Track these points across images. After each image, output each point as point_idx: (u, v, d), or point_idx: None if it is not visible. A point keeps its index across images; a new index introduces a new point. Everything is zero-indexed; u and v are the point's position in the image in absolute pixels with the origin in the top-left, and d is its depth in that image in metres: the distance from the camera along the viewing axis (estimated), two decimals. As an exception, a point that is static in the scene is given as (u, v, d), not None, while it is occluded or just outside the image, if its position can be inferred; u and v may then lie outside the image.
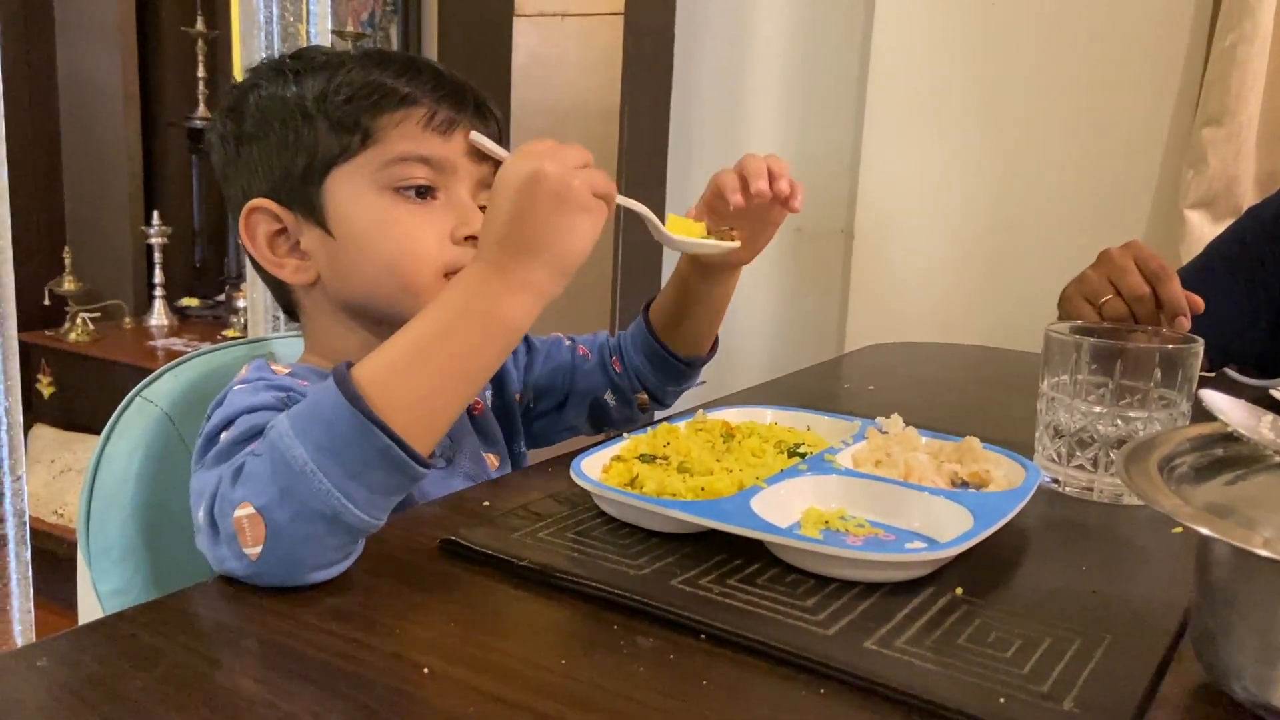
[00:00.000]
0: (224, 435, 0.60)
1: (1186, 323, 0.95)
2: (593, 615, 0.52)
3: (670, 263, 2.21)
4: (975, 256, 1.99)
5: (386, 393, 0.53)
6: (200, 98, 2.57)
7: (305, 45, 1.55)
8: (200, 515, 0.55)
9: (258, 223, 0.74)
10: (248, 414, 0.61)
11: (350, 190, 0.72)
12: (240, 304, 2.47)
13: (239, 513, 0.52)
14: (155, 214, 2.54)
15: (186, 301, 2.71)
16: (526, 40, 2.24)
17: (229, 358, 0.87)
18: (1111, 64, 1.83)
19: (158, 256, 2.56)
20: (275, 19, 1.54)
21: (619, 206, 0.70)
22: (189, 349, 2.32)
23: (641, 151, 2.23)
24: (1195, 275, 1.29)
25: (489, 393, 0.88)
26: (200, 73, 2.56)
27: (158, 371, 0.82)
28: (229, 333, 2.47)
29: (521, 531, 0.61)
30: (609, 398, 0.94)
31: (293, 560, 0.52)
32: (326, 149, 0.72)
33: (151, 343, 2.47)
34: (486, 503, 0.67)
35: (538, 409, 0.94)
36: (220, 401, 0.65)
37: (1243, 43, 1.66)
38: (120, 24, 2.48)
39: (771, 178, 0.80)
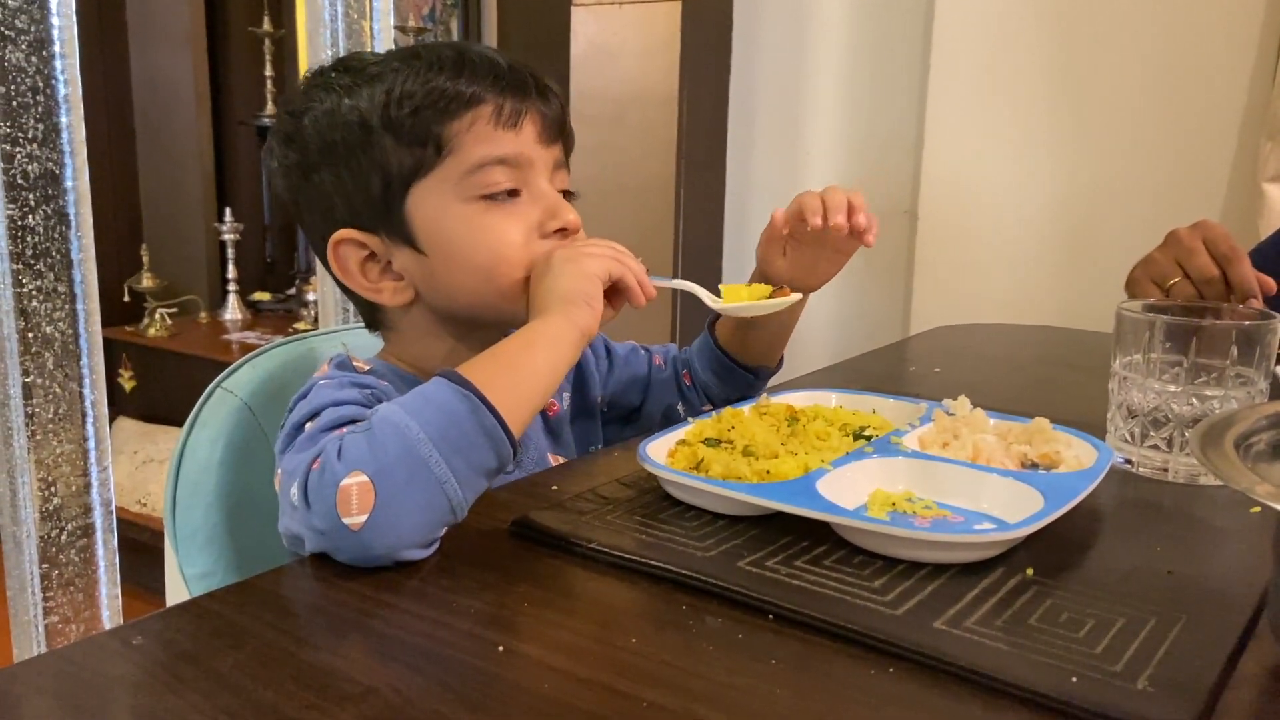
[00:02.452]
0: (309, 425, 0.63)
1: (1259, 304, 0.93)
2: (661, 596, 0.53)
3: (732, 266, 2.20)
4: (1044, 237, 1.95)
5: (488, 385, 0.59)
6: (268, 96, 2.63)
7: (366, 43, 1.58)
8: (294, 492, 0.57)
9: (347, 254, 0.74)
10: (334, 407, 0.64)
11: (436, 205, 0.72)
12: (310, 297, 2.53)
13: (349, 480, 0.54)
14: (227, 211, 2.61)
15: (258, 296, 2.78)
16: (585, 29, 2.25)
17: (303, 349, 0.89)
18: (1184, 35, 1.77)
19: (230, 252, 2.63)
20: (340, 17, 1.57)
21: (674, 290, 0.78)
22: (262, 342, 2.39)
23: (701, 137, 2.23)
24: (1272, 250, 1.25)
25: (567, 395, 0.90)
26: (268, 71, 2.62)
27: (237, 363, 0.85)
28: (300, 325, 2.53)
29: (590, 514, 0.62)
30: (681, 408, 0.96)
31: (396, 530, 0.54)
32: (401, 166, 0.71)
33: (226, 336, 2.54)
34: (555, 487, 0.68)
35: (613, 414, 0.96)
36: (304, 394, 0.68)
37: (1325, 7, 1.60)
38: (191, 26, 2.55)
39: (851, 211, 0.82)
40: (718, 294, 0.80)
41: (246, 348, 2.35)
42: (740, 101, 2.24)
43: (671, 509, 0.64)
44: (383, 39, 1.61)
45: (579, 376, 0.91)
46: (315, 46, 1.61)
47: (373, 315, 0.80)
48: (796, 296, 0.81)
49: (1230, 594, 0.53)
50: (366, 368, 0.74)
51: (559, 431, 0.87)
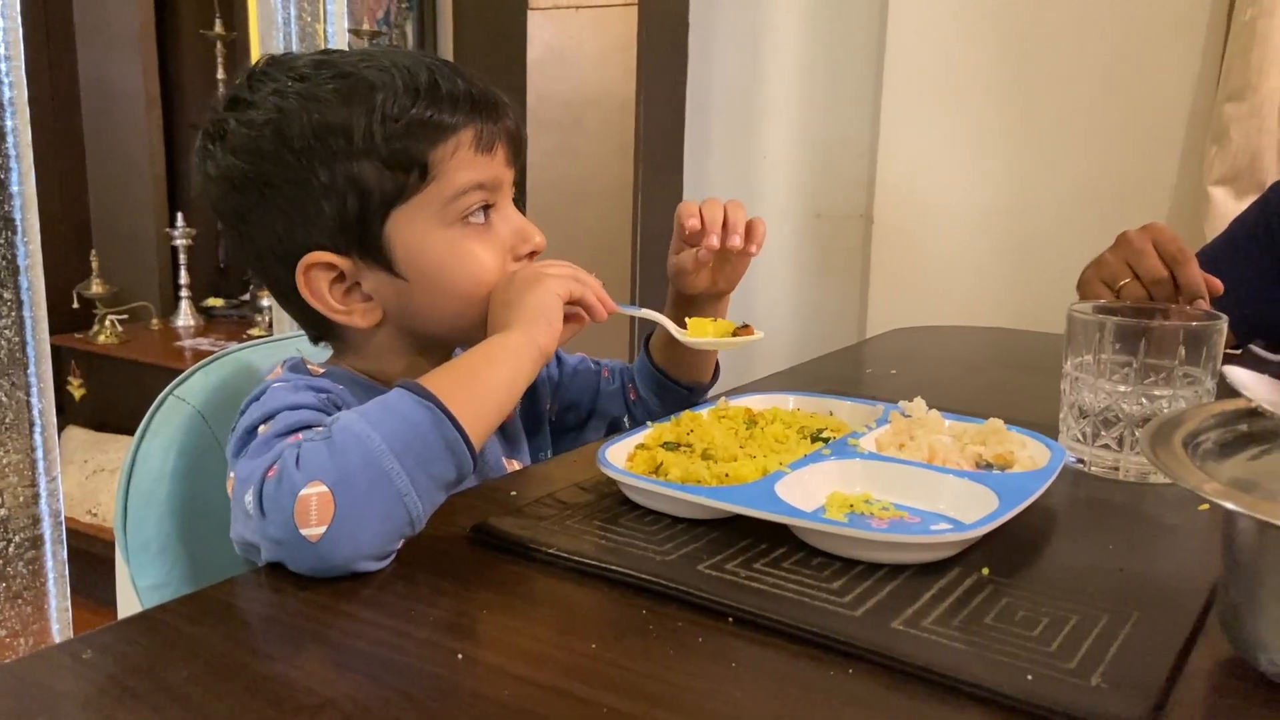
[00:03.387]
0: (263, 429, 0.62)
1: (1205, 305, 0.95)
2: (621, 600, 0.52)
3: None
4: (997, 239, 1.98)
5: (449, 397, 0.59)
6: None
7: (320, 46, 1.56)
8: (248, 500, 0.56)
9: (317, 276, 0.71)
10: (289, 410, 0.63)
11: (418, 230, 0.71)
12: (264, 303, 2.49)
13: (308, 490, 0.54)
14: (179, 215, 2.57)
15: (211, 302, 2.74)
16: (541, 33, 2.24)
17: (257, 356, 0.88)
18: (1131, 41, 1.81)
19: (182, 258, 2.59)
20: (293, 19, 1.55)
21: (636, 317, 0.80)
22: (216, 348, 2.35)
23: (658, 141, 2.24)
24: (1219, 252, 1.28)
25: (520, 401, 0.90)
26: (220, 74, 2.58)
27: (189, 371, 0.83)
28: (254, 331, 2.49)
29: (549, 519, 0.62)
30: (626, 421, 0.97)
31: (355, 542, 0.54)
32: (383, 189, 0.69)
33: (179, 343, 2.50)
34: (513, 492, 0.68)
35: (562, 423, 0.96)
36: (256, 397, 0.66)
37: (1262, 16, 1.65)
38: (140, 28, 2.50)
39: (727, 230, 0.84)
40: (684, 326, 0.82)
41: (199, 354, 2.31)
42: (697, 105, 2.25)
43: (631, 513, 0.64)
44: (336, 42, 1.60)
45: (530, 385, 0.91)
46: (268, 49, 1.59)
47: (322, 329, 0.78)
48: (760, 335, 0.82)
49: (1180, 590, 0.54)
50: (321, 371, 0.74)
51: (515, 438, 0.87)
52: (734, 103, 2.24)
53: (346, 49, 0.80)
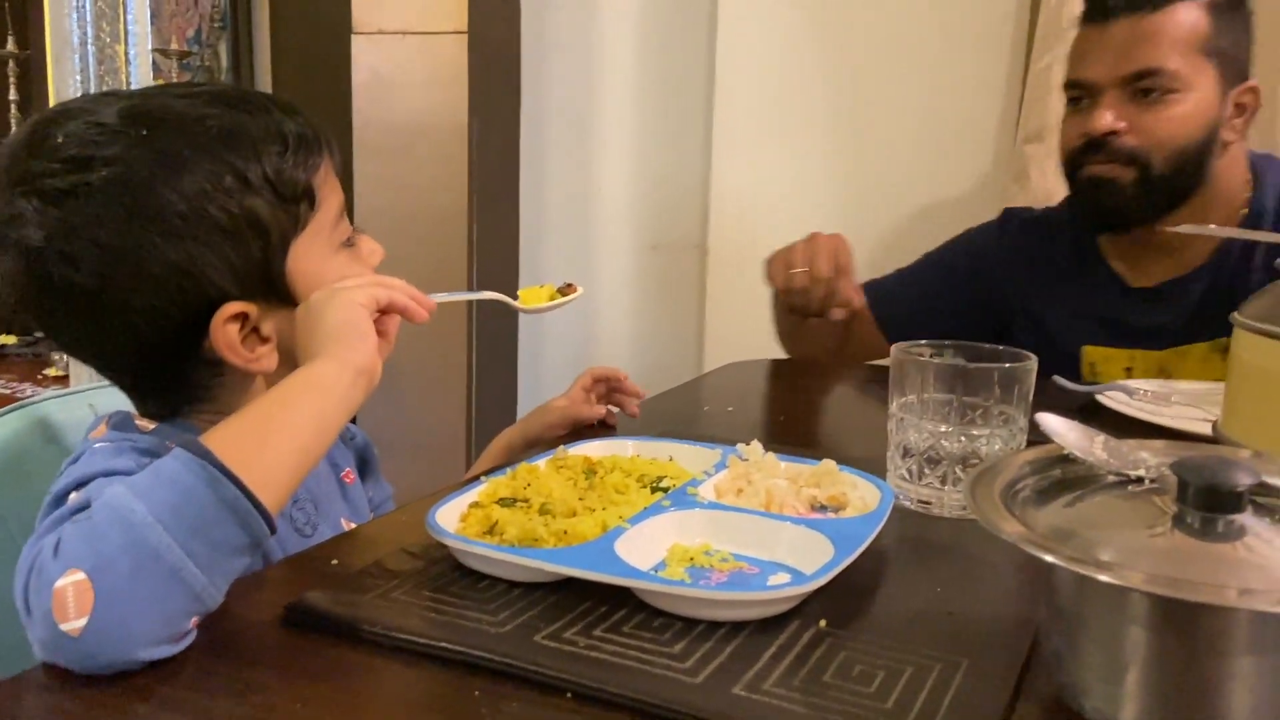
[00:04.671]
0: (73, 496, 0.55)
1: (839, 315, 1.19)
2: (453, 682, 0.49)
3: (526, 360, 2.19)
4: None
5: (233, 451, 0.53)
6: (12, 120, 2.39)
7: (121, 68, 1.46)
8: (16, 593, 0.50)
9: (231, 328, 0.66)
10: (105, 477, 0.56)
11: (316, 260, 0.69)
12: (65, 340, 2.31)
13: (62, 581, 0.48)
14: (-37, 246, 2.34)
15: (3, 339, 2.51)
16: (367, 58, 2.17)
17: (36, 417, 0.80)
18: (942, 81, 1.91)
19: (-32, 292, 2.36)
20: (90, 40, 1.44)
21: (473, 301, 0.79)
22: (7, 390, 2.15)
23: (492, 168, 2.20)
24: (903, 279, 1.41)
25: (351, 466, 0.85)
26: (12, 95, 2.38)
27: (-38, 433, 0.75)
28: (50, 371, 2.30)
29: (373, 593, 0.58)
30: None
31: (125, 631, 0.48)
32: (280, 225, 0.67)
33: (-36, 386, 2.27)
34: (335, 561, 0.64)
35: None
36: (75, 459, 0.60)
37: (1057, 64, 1.77)
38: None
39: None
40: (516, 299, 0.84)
41: (-12, 399, 2.11)
42: (531, 136, 2.23)
43: (464, 579, 0.61)
44: (139, 64, 1.50)
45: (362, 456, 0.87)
46: (63, 71, 1.48)
47: (176, 382, 0.69)
48: (581, 291, 0.85)
49: (1006, 634, 0.55)
50: (151, 427, 0.67)
51: (355, 500, 0.82)
52: (568, 134, 2.23)
53: (149, 89, 0.73)
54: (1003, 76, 1.88)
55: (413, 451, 2.02)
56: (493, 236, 2.16)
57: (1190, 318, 1.18)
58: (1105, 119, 1.16)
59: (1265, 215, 1.19)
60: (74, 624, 0.47)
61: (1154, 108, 1.15)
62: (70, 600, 0.47)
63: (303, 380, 0.60)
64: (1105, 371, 1.23)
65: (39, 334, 2.50)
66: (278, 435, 0.56)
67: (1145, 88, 1.15)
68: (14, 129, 2.40)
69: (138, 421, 0.67)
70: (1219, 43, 1.16)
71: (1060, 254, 1.31)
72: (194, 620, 0.51)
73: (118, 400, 0.78)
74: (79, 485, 0.56)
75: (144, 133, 0.63)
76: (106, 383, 0.85)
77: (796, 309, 1.25)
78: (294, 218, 0.67)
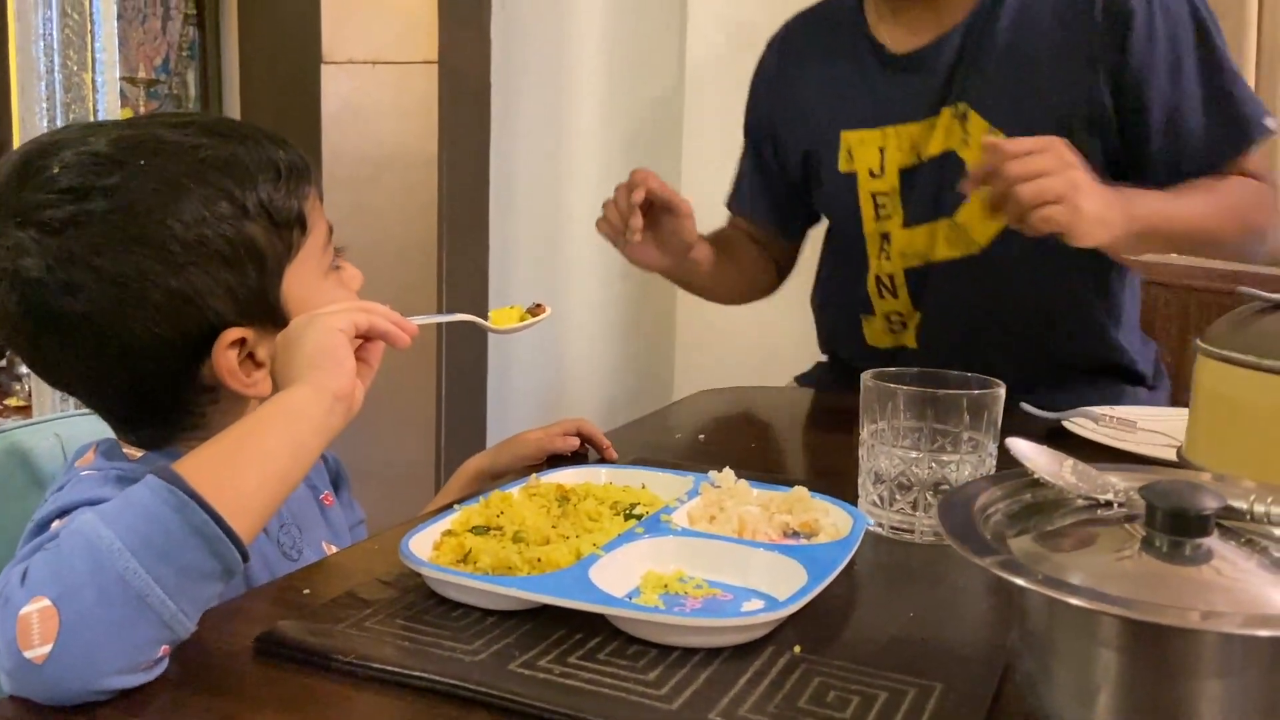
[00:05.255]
0: (57, 524, 0.55)
1: (636, 237, 1.11)
2: (428, 711, 0.49)
3: (495, 386, 2.19)
4: (789, 298, 2.06)
5: (204, 477, 0.52)
6: (-27, 146, 2.36)
7: (88, 96, 1.45)
8: None
9: (231, 354, 0.66)
10: (89, 506, 0.54)
11: (307, 285, 0.70)
12: (23, 369, 2.27)
13: (27, 608, 0.47)
14: (-79, 274, 2.30)
15: (-39, 369, 2.46)
16: (338, 87, 2.17)
17: (6, 445, 0.78)
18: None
19: (-75, 320, 2.32)
20: (58, 67, 1.43)
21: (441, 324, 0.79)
22: (-35, 422, 2.11)
23: (462, 198, 2.20)
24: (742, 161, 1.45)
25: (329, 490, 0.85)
26: (-28, 120, 2.35)
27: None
28: (11, 401, 2.26)
29: (346, 622, 0.57)
30: None
31: (90, 658, 0.48)
32: (275, 250, 0.68)
33: (-80, 416, 2.22)
34: (307, 590, 0.63)
35: None
36: (61, 486, 0.59)
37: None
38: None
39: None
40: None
41: (-55, 429, 2.07)
42: (501, 165, 2.24)
43: (438, 607, 0.60)
44: (106, 92, 1.49)
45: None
46: (29, 99, 1.47)
47: (169, 409, 0.68)
48: (549, 311, 0.84)
49: (978, 658, 0.56)
50: (139, 455, 0.67)
51: (335, 522, 0.81)
52: (538, 163, 2.24)
53: (138, 120, 0.73)
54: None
55: (380, 478, 2.00)
56: (462, 265, 2.16)
57: (941, 84, 1.16)
58: None
59: None
60: (38, 650, 0.47)
61: None
62: (35, 627, 0.47)
63: (278, 406, 0.59)
64: (860, 156, 1.21)
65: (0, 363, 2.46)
66: (251, 461, 0.55)
67: None
68: (-24, 156, 2.37)
69: (125, 449, 0.67)
70: None
71: (826, 34, 1.28)
72: (164, 649, 0.50)
73: (83, 430, 0.77)
74: (62, 513, 0.56)
75: (141, 162, 0.64)
76: (72, 412, 0.84)
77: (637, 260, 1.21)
78: (287, 244, 0.68)
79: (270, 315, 0.68)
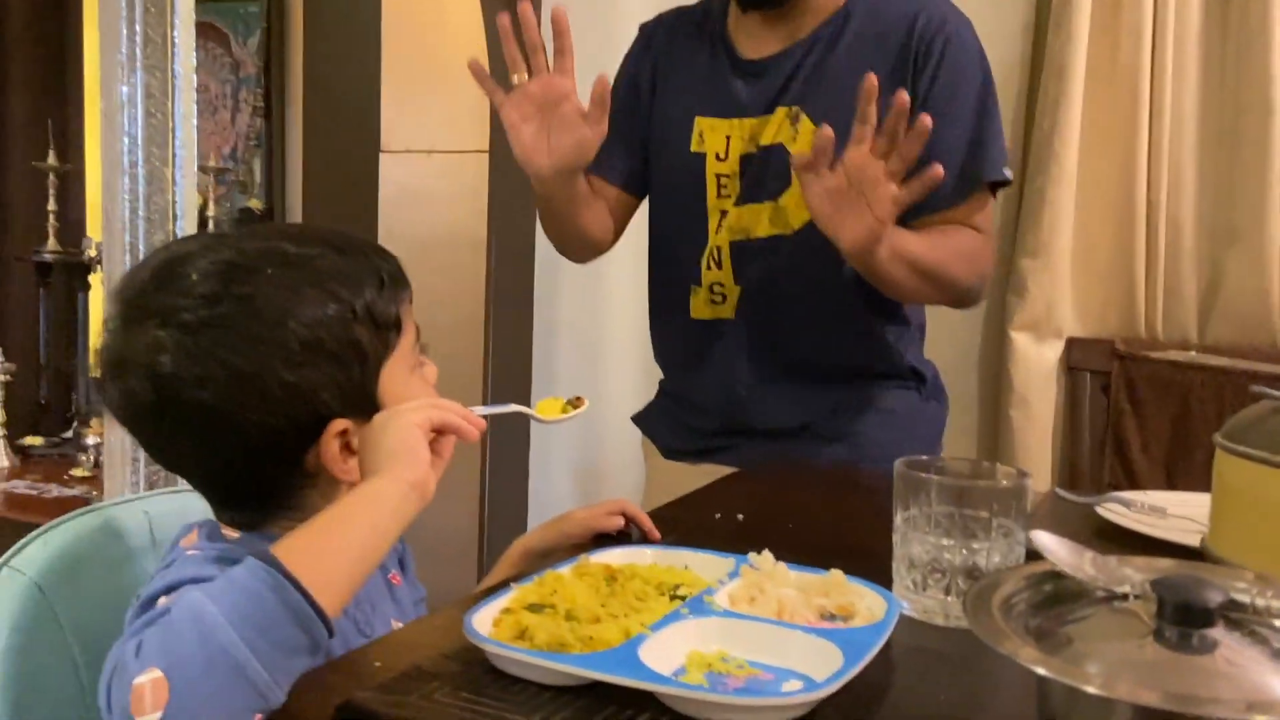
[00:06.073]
0: (164, 600, 0.61)
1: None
2: (493, 779, 0.53)
3: (536, 468, 2.23)
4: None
5: (298, 559, 0.59)
6: (50, 230, 2.50)
7: (169, 188, 1.55)
8: (100, 691, 0.55)
9: (336, 443, 0.74)
10: (192, 584, 0.61)
11: (399, 381, 0.77)
12: (90, 441, 2.36)
13: (141, 678, 0.53)
14: (-4, 350, 2.42)
15: (30, 440, 2.56)
16: (393, 174, 2.29)
17: (99, 521, 0.85)
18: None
19: (-1, 394, 2.43)
20: (140, 162, 1.54)
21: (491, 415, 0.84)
22: (33, 491, 2.20)
23: (509, 280, 2.29)
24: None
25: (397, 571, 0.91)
26: (51, 206, 2.49)
27: (27, 538, 0.80)
28: (76, 471, 2.34)
29: (416, 694, 0.62)
30: None
31: None
32: (375, 350, 0.76)
33: (-10, 485, 2.32)
34: (378, 663, 0.68)
35: None
36: (167, 565, 0.65)
37: (1050, 185, 1.86)
38: (-35, 157, 2.40)
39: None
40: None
41: (14, 499, 2.16)
42: (547, 248, 2.31)
43: (497, 681, 0.65)
44: (184, 185, 1.59)
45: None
46: (112, 190, 1.57)
47: (269, 491, 0.76)
48: (588, 404, 0.91)
49: (1005, 740, 0.59)
50: (236, 536, 0.73)
51: (402, 600, 0.87)
52: (582, 245, 2.32)
53: (257, 230, 0.84)
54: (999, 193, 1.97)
55: (427, 555, 2.05)
56: (507, 344, 2.24)
57: (779, 90, 1.31)
58: None
59: (854, 13, 1.30)
60: (149, 717, 0.52)
61: None
62: (147, 696, 0.52)
63: (361, 495, 0.66)
64: (710, 141, 1.34)
65: (66, 435, 2.56)
66: (338, 546, 0.62)
67: None
68: (50, 239, 2.50)
69: (224, 530, 0.73)
70: None
71: (693, 32, 1.41)
72: (258, 717, 0.56)
73: (169, 508, 0.83)
74: (169, 590, 0.62)
75: (269, 271, 0.72)
76: (159, 491, 0.91)
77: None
78: (385, 344, 0.76)
79: (368, 407, 0.75)
